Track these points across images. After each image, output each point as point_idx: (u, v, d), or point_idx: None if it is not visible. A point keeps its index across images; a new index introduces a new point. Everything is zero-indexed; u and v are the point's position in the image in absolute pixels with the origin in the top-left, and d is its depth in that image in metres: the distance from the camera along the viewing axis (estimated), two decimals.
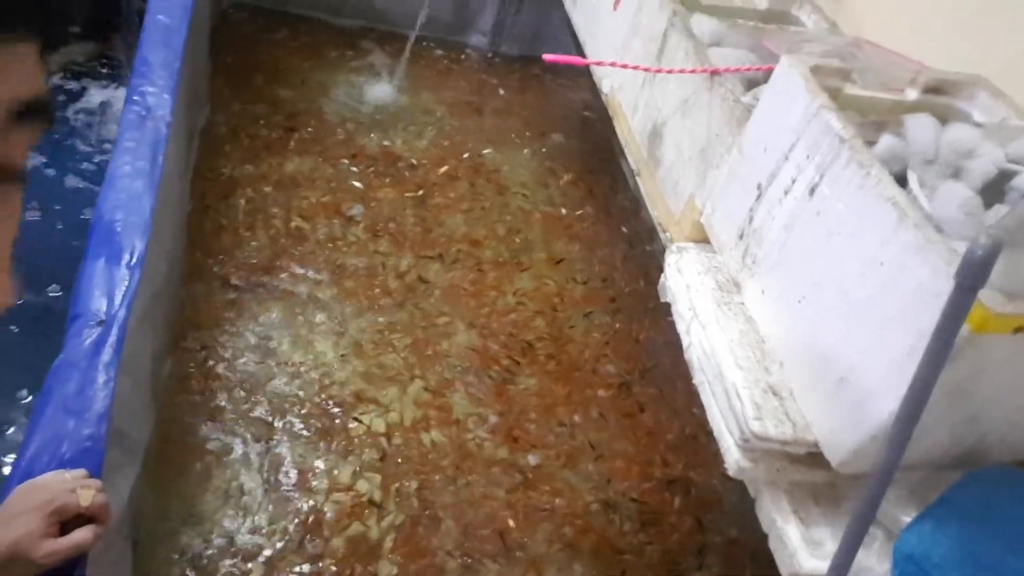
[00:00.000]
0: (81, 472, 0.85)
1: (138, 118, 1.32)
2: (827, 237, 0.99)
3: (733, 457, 1.04)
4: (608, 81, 1.75)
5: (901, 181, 0.96)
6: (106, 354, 0.99)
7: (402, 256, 1.78)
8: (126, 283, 1.08)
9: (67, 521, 0.79)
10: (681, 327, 1.22)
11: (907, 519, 0.93)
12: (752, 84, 1.31)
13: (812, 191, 1.02)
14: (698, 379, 1.15)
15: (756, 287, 1.16)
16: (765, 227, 1.13)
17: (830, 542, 1.01)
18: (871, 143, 1.03)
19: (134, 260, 1.12)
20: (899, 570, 0.88)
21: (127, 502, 1.01)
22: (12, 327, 1.39)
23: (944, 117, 1.14)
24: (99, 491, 0.83)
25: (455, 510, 1.36)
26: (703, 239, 1.35)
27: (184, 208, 1.63)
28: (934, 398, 0.71)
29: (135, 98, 1.34)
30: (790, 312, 1.07)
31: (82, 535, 0.78)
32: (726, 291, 1.21)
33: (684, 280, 1.23)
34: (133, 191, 1.19)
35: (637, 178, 1.57)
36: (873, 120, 1.12)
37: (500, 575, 1.31)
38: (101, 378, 0.97)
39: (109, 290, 1.06)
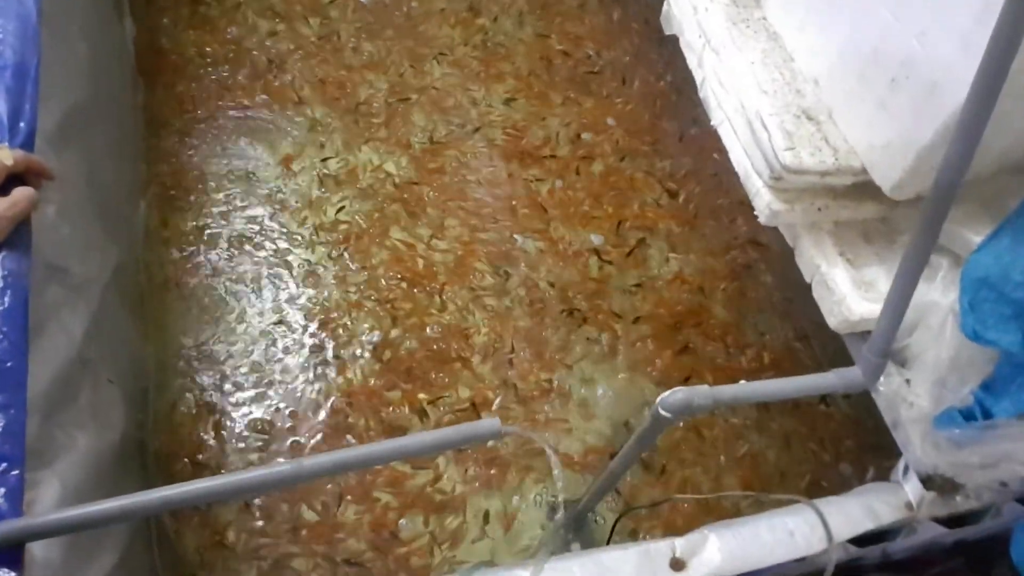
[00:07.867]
0: None
1: None
2: None
3: (763, 200, 0.87)
4: None
5: None
6: None
7: None
8: (22, 95, 0.91)
9: None
10: (692, 61, 1.01)
11: (978, 239, 0.76)
12: None
13: None
14: (716, 119, 0.96)
15: None
16: None
17: (883, 282, 0.86)
18: None
19: (30, 72, 0.93)
20: (969, 297, 0.72)
21: (80, 341, 0.91)
22: None
23: None
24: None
25: None
26: None
27: (115, 24, 1.40)
28: (1015, 72, 0.52)
29: None
30: (825, 10, 0.85)
31: (25, 191, 0.75)
32: (743, 6, 0.98)
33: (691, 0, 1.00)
34: None
35: None
36: None
37: None
38: None
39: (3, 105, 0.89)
